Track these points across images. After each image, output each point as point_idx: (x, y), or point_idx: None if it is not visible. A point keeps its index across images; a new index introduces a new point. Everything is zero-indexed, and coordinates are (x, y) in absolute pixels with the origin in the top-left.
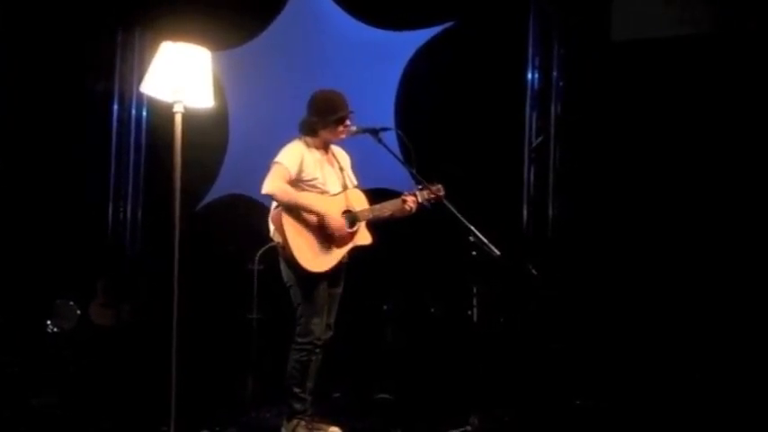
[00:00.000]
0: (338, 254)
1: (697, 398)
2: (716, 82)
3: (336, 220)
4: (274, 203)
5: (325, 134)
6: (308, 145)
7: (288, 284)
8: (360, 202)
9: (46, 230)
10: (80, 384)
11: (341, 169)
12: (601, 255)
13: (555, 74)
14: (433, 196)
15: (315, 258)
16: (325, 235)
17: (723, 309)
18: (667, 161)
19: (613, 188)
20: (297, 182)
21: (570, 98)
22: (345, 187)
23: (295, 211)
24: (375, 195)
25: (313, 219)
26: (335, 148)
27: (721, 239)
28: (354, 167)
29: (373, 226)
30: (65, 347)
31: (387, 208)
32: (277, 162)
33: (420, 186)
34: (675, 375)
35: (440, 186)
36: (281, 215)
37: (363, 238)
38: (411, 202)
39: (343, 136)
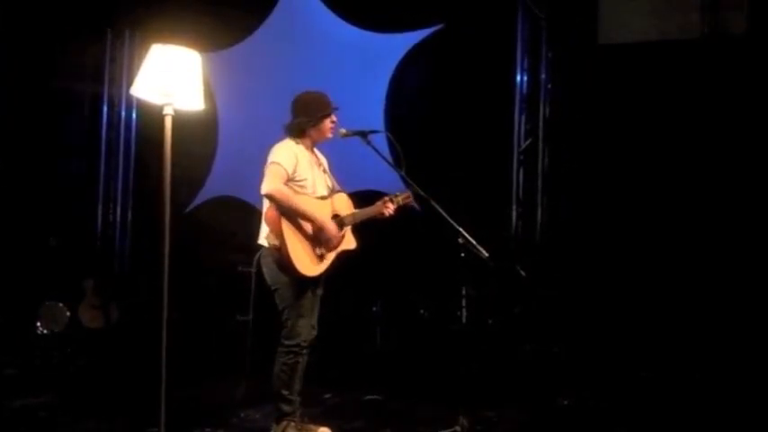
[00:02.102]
0: (329, 258)
1: (684, 396)
2: (702, 85)
3: (333, 228)
4: (267, 203)
5: (313, 133)
6: (297, 145)
7: (273, 287)
8: (346, 206)
9: (35, 232)
10: (70, 386)
11: (324, 171)
12: (590, 256)
13: (543, 76)
14: (408, 200)
15: (309, 262)
16: (318, 240)
17: (712, 308)
18: (655, 163)
19: (602, 190)
20: (288, 182)
21: (558, 101)
22: (330, 190)
23: (292, 214)
24: (363, 197)
25: (309, 225)
26: (317, 152)
27: (709, 239)
28: (341, 169)
29: (363, 228)
30: (54, 349)
31: (368, 212)
32: (274, 162)
33: (397, 192)
34: (663, 374)
35: (408, 194)
36: (279, 217)
37: (349, 242)
38: (391, 207)
39: (330, 135)
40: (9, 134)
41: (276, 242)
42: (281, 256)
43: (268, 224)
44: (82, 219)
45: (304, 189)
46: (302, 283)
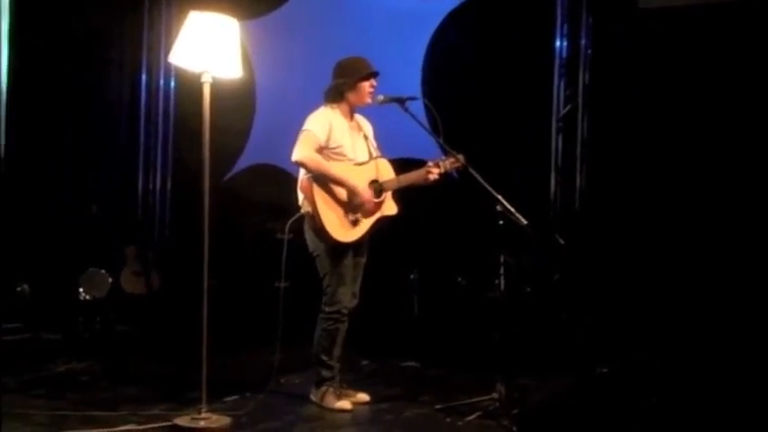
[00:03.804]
0: (366, 224)
1: (723, 366)
2: (745, 49)
3: (366, 193)
4: (303, 172)
5: (351, 97)
6: (334, 111)
7: (314, 254)
8: (387, 172)
9: (78, 200)
10: (112, 351)
11: (365, 138)
12: (629, 224)
13: (583, 42)
14: (457, 165)
15: (343, 228)
16: (353, 205)
17: (752, 278)
18: (697, 130)
19: (642, 157)
20: (323, 149)
21: (598, 67)
22: (371, 156)
23: (324, 180)
24: (401, 164)
25: (342, 190)
26: (359, 117)
27: (752, 210)
28: (378, 137)
29: (400, 196)
30: (96, 315)
31: (411, 177)
32: (306, 129)
33: (444, 156)
34: (701, 344)
35: (461, 156)
36: (311, 184)
37: (390, 208)
38: (435, 172)
39: (369, 100)
40: (49, 102)
41: (309, 209)
42: (314, 223)
43: (302, 191)
44: (123, 187)
45: (341, 156)
46: (340, 250)
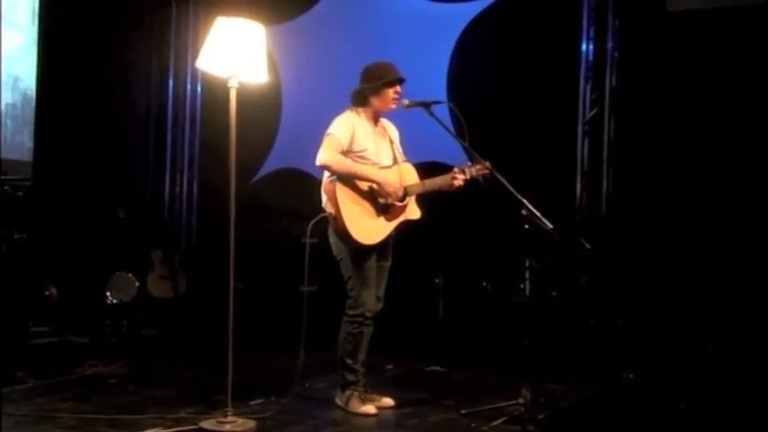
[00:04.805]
0: (389, 227)
1: (751, 370)
2: None
3: (392, 186)
4: (327, 174)
5: (375, 102)
6: (359, 116)
7: (338, 257)
8: (411, 176)
9: (105, 205)
10: (139, 354)
11: (391, 142)
12: (655, 228)
13: (610, 45)
14: (484, 172)
15: (366, 231)
16: (377, 207)
17: None
18: (725, 133)
19: (669, 161)
20: (347, 153)
21: (625, 70)
22: (396, 160)
23: (349, 181)
24: (427, 169)
25: (367, 188)
26: (385, 122)
27: None
28: (404, 141)
29: (425, 199)
30: (124, 318)
31: (437, 183)
32: (329, 133)
33: (470, 162)
34: (729, 348)
35: (488, 163)
36: (334, 186)
37: (413, 212)
38: (461, 179)
39: (393, 105)
40: (77, 106)
41: (332, 210)
42: (337, 225)
43: (325, 193)
44: (150, 191)
45: (365, 159)
46: (363, 253)
